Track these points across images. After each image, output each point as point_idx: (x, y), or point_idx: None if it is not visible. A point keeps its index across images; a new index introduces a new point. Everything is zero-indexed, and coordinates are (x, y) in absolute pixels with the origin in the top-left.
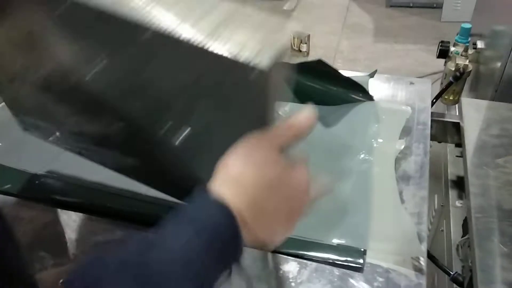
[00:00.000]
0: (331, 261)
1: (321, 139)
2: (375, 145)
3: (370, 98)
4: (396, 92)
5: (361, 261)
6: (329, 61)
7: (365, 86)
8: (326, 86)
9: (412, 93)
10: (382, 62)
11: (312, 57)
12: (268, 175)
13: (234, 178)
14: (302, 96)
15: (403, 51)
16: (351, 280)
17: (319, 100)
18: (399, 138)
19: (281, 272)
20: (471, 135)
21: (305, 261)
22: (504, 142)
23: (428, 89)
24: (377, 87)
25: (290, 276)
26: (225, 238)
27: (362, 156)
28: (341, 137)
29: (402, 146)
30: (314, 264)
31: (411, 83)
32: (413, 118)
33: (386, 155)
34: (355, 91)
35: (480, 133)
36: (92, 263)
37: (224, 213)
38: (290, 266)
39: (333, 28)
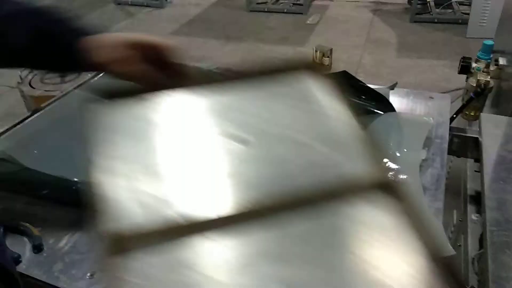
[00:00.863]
0: None
1: None
2: (398, 154)
3: (392, 109)
4: (416, 106)
5: None
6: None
7: (386, 97)
8: (349, 97)
9: (431, 107)
10: (405, 77)
11: (334, 70)
12: None
13: None
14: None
15: (426, 67)
16: None
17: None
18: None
19: None
20: (490, 150)
21: None
22: None
23: (447, 104)
24: (397, 101)
25: None
26: None
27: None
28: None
29: (424, 156)
30: None
31: (431, 97)
32: (432, 132)
33: (410, 164)
34: (378, 103)
35: (499, 148)
36: None
37: None
38: None
39: (356, 42)
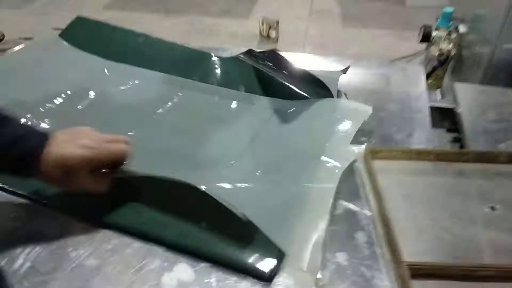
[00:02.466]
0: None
1: (272, 134)
2: (327, 144)
3: (330, 95)
4: (389, 79)
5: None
6: (299, 47)
7: (335, 83)
8: (285, 79)
9: (405, 79)
10: (351, 48)
11: (281, 43)
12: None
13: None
14: (261, 86)
15: (370, 37)
16: (376, 281)
17: (277, 91)
18: (364, 140)
19: (298, 275)
20: (468, 120)
21: (324, 262)
22: (502, 127)
23: (421, 74)
24: (370, 73)
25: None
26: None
27: (309, 159)
28: (292, 135)
29: (361, 150)
30: (334, 265)
31: (404, 69)
32: (410, 106)
33: (340, 157)
34: (316, 87)
35: (478, 118)
36: None
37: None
38: None
39: (301, 13)
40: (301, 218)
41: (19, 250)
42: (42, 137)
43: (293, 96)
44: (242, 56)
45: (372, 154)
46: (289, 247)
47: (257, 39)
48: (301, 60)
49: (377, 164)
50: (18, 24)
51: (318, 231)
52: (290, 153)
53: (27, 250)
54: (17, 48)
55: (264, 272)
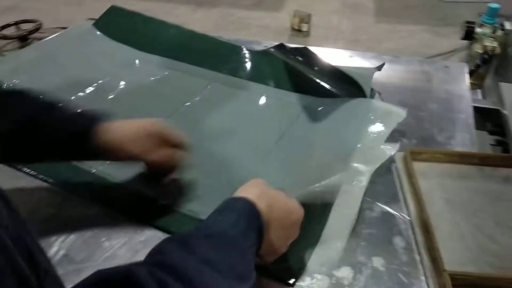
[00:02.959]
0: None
1: (300, 132)
2: (359, 146)
3: (362, 93)
4: (430, 77)
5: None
6: (331, 42)
7: (368, 80)
8: (316, 75)
9: (448, 78)
10: (384, 43)
11: (313, 37)
12: (280, 205)
13: (260, 192)
14: (291, 81)
15: (405, 32)
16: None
17: (307, 88)
18: (403, 141)
19: (333, 278)
20: None
21: (359, 266)
22: None
23: (464, 73)
24: (410, 71)
25: (346, 282)
26: (253, 216)
27: (337, 161)
28: (320, 135)
29: (393, 152)
30: (370, 269)
31: (446, 66)
32: (452, 106)
33: (370, 158)
34: (348, 85)
35: None
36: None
37: (252, 204)
38: (344, 272)
39: (333, 7)
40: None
41: (54, 237)
42: (99, 113)
43: (323, 93)
44: (273, 50)
45: (412, 156)
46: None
47: (288, 33)
48: (335, 55)
49: (417, 166)
50: (54, 14)
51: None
52: (317, 154)
53: (62, 237)
54: (52, 36)
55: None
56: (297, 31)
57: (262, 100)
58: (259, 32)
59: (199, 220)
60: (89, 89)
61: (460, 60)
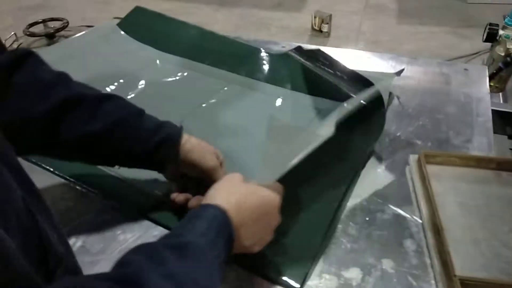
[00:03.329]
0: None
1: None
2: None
3: (380, 98)
4: (449, 79)
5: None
6: (351, 43)
7: (387, 86)
8: (334, 79)
9: (467, 81)
10: (406, 44)
11: (333, 38)
12: (250, 201)
13: (229, 194)
14: (309, 84)
15: (427, 33)
16: None
17: (325, 91)
18: (410, 144)
19: (342, 279)
20: None
21: (369, 268)
22: None
23: (484, 76)
24: (429, 73)
25: (354, 283)
26: (223, 224)
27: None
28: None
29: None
30: (379, 271)
31: (465, 69)
32: (470, 109)
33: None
34: (366, 89)
35: None
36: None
37: (222, 212)
38: (353, 273)
39: (355, 8)
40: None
41: (71, 229)
42: (179, 127)
43: (341, 97)
44: (290, 52)
45: (426, 158)
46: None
47: (309, 33)
48: (354, 57)
49: (432, 169)
50: (81, 12)
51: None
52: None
53: (79, 229)
54: (78, 35)
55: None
56: (317, 31)
57: (278, 102)
58: (279, 32)
59: None
60: (109, 88)
61: (482, 63)
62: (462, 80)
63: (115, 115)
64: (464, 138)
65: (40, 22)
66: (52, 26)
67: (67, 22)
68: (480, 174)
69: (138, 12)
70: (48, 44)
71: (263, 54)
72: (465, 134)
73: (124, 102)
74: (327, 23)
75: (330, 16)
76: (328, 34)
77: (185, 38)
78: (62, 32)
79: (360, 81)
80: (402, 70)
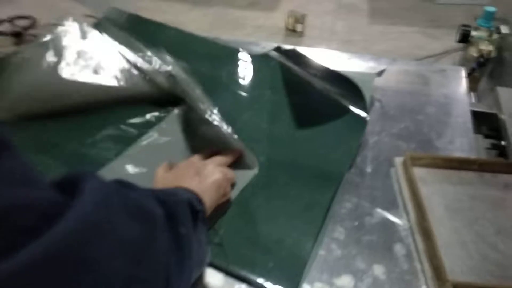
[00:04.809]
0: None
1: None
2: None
3: (363, 100)
4: (428, 80)
5: None
6: (325, 42)
7: (368, 86)
8: (315, 80)
9: (445, 81)
10: (378, 44)
11: (307, 37)
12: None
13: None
14: (290, 88)
15: (398, 33)
16: None
17: (305, 94)
18: (402, 145)
19: (334, 286)
20: None
21: (360, 274)
22: None
23: (462, 77)
24: (408, 75)
25: None
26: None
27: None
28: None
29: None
30: (371, 278)
31: (443, 70)
32: (450, 110)
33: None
34: (347, 90)
35: None
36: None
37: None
38: (344, 280)
39: (328, 7)
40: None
41: None
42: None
43: (323, 99)
44: (270, 53)
45: (412, 161)
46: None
47: (283, 33)
48: (333, 57)
49: (417, 171)
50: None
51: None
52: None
53: None
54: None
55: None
56: (291, 31)
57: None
58: (254, 31)
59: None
60: None
61: (453, 63)
62: (440, 81)
63: None
64: (446, 139)
65: (6, 20)
66: (19, 24)
67: (35, 20)
68: (464, 176)
69: (113, 13)
70: (16, 43)
71: (243, 55)
72: (446, 135)
73: None
74: (301, 23)
75: (304, 16)
76: (302, 33)
77: (163, 40)
78: (31, 31)
79: (342, 81)
80: (383, 71)
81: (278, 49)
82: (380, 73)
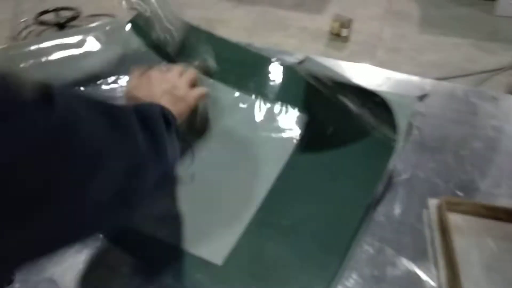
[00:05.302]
0: None
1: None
2: None
3: (393, 127)
4: (476, 109)
5: None
6: (370, 49)
7: (407, 111)
8: (345, 99)
9: (496, 111)
10: (426, 55)
11: (352, 43)
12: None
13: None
14: (318, 105)
15: (450, 45)
16: None
17: (327, 112)
18: (439, 185)
19: None
20: None
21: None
22: None
23: None
24: (454, 101)
25: None
26: None
27: None
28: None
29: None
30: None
31: (494, 98)
32: (500, 146)
33: None
34: (381, 113)
35: None
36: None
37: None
38: None
39: (376, 13)
40: None
41: None
42: None
43: (348, 119)
44: (300, 65)
45: (448, 206)
46: None
47: (327, 36)
48: (370, 74)
49: (454, 218)
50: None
51: None
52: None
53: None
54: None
55: None
56: (336, 35)
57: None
58: (297, 33)
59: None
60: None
61: (506, 83)
62: (490, 111)
63: None
64: (492, 181)
65: (52, 11)
66: (63, 15)
67: (79, 13)
68: (509, 229)
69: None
70: None
71: (274, 65)
72: (492, 176)
73: None
74: (347, 28)
75: (350, 20)
76: (346, 38)
77: (195, 45)
78: (74, 22)
79: (374, 101)
80: (425, 96)
81: (308, 62)
82: (422, 98)
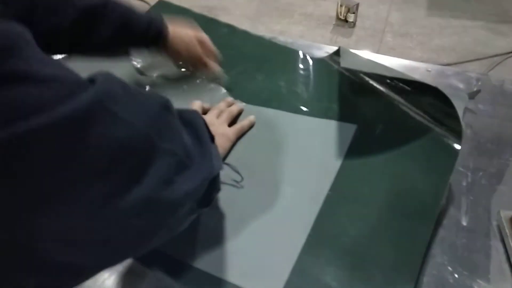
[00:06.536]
0: None
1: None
2: None
3: (458, 134)
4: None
5: None
6: (378, 35)
7: (459, 110)
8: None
9: None
10: (436, 39)
11: (359, 28)
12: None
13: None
14: (359, 100)
15: (459, 27)
16: None
17: (377, 109)
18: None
19: None
20: None
21: None
22: None
23: None
24: (502, 95)
25: None
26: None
27: None
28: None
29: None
30: None
31: None
32: None
33: None
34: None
35: None
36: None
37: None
38: None
39: None
40: None
41: None
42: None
43: (402, 117)
44: (335, 58)
45: None
46: None
47: (333, 22)
48: (407, 68)
49: None
50: None
51: None
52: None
53: None
54: None
55: None
56: (342, 21)
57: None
58: (302, 20)
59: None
60: None
61: None
62: None
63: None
64: None
65: None
66: None
67: None
68: None
69: (162, 6)
70: None
71: (303, 59)
72: None
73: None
74: (353, 13)
75: (357, 5)
76: (353, 24)
77: (214, 37)
78: None
79: (427, 95)
80: (477, 92)
81: (343, 53)
82: (473, 95)
